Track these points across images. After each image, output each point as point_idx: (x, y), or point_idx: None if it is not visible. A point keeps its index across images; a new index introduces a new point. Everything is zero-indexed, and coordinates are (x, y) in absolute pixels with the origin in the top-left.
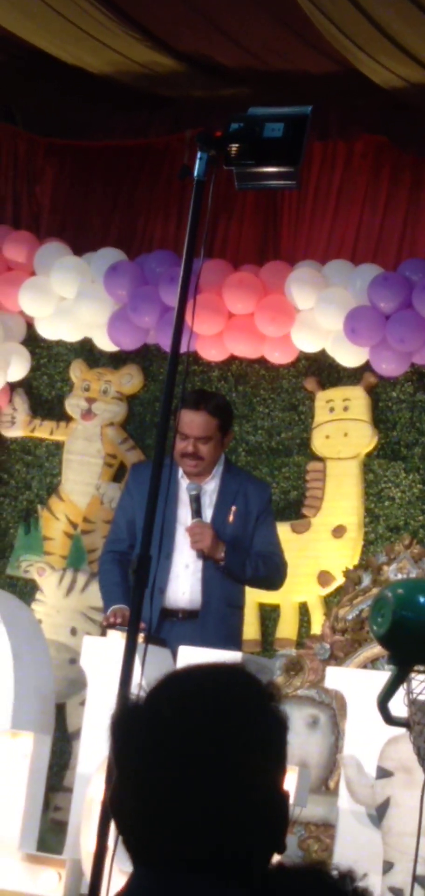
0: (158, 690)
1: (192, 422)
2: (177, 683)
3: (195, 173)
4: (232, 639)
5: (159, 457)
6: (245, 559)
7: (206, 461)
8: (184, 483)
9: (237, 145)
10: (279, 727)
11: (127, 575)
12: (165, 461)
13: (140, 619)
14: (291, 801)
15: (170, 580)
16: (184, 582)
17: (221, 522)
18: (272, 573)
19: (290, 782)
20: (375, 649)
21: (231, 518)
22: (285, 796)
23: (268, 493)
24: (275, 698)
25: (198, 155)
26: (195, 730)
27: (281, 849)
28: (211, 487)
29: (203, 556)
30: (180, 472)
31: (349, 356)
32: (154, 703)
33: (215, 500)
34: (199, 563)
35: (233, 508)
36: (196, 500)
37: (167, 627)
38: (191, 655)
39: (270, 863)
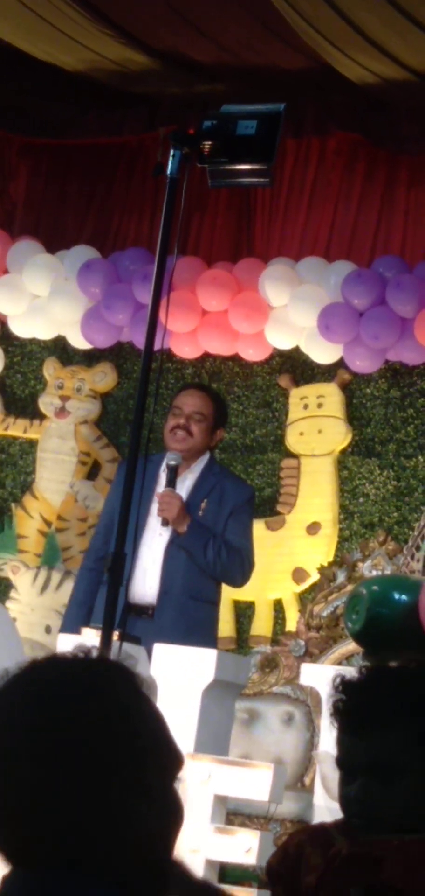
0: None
1: (189, 398)
2: (37, 679)
3: (168, 171)
4: (194, 633)
5: (133, 454)
6: (208, 540)
7: (195, 441)
8: (164, 477)
9: (210, 143)
10: (154, 720)
11: (93, 586)
12: (140, 458)
13: (115, 616)
14: (267, 797)
15: (137, 575)
16: (151, 577)
17: (191, 514)
18: (234, 566)
19: (266, 779)
20: (350, 646)
21: (200, 513)
22: (169, 798)
23: (247, 493)
24: (145, 690)
25: (172, 152)
26: (55, 726)
27: (163, 852)
28: (189, 479)
29: (167, 524)
30: (163, 466)
31: (323, 353)
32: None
33: (189, 492)
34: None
35: (203, 504)
36: (172, 470)
37: (134, 623)
38: (165, 652)
39: (151, 860)
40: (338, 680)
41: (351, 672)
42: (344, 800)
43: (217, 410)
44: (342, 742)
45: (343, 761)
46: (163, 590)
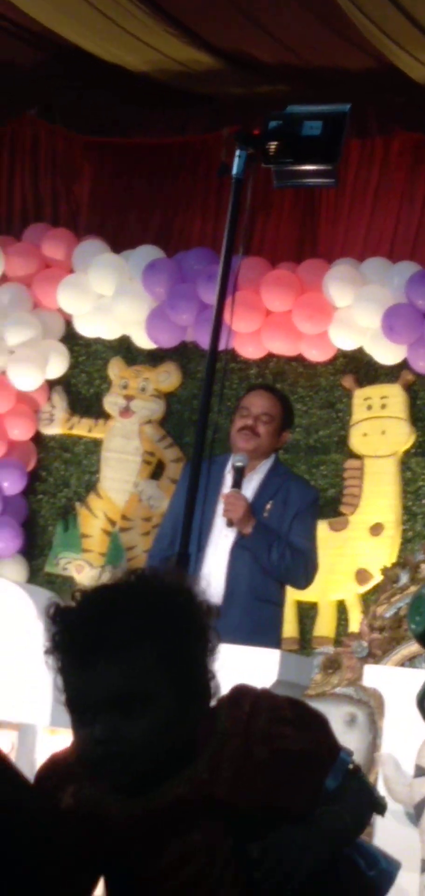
0: None
1: (258, 399)
2: None
3: (234, 171)
4: (258, 633)
5: (198, 454)
6: (273, 542)
7: (262, 442)
8: (230, 478)
9: (276, 143)
10: None
11: None
12: (205, 460)
13: None
14: None
15: (203, 576)
16: (217, 577)
17: (256, 515)
18: (298, 568)
19: None
20: (413, 647)
21: (265, 514)
22: None
23: (312, 495)
24: None
25: (237, 153)
26: None
27: None
28: (254, 480)
29: (232, 525)
30: (228, 466)
31: (387, 354)
32: None
33: (255, 493)
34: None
35: (268, 505)
36: (238, 471)
37: None
38: (229, 653)
39: None
40: (52, 609)
41: (65, 600)
42: (84, 744)
43: (284, 412)
44: (68, 679)
45: (74, 701)
46: (229, 590)
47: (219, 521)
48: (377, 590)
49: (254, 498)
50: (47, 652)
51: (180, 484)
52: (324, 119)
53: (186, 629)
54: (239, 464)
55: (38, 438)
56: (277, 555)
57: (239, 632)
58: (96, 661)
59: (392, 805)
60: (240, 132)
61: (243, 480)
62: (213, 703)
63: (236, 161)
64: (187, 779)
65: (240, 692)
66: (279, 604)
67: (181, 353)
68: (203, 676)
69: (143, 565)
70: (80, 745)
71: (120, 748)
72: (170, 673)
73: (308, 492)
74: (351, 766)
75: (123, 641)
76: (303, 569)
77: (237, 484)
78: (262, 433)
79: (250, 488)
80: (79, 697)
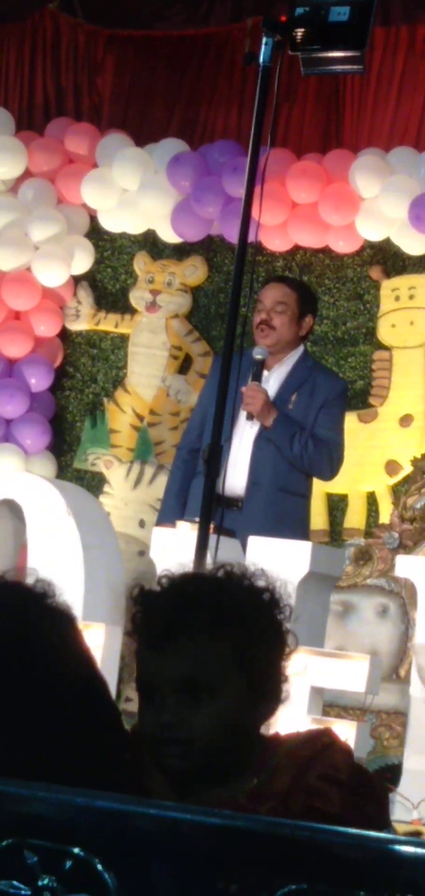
0: None
1: (270, 291)
2: None
3: (260, 59)
4: (282, 525)
5: (228, 347)
6: (295, 433)
7: (278, 334)
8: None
9: (302, 30)
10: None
11: (188, 478)
12: (235, 353)
13: (211, 508)
14: (363, 688)
15: (228, 467)
16: (241, 469)
17: (281, 407)
18: (322, 458)
19: (362, 670)
20: None
21: (290, 406)
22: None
23: (339, 386)
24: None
25: (264, 40)
26: None
27: None
28: (280, 372)
29: (251, 418)
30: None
31: (414, 244)
32: None
33: (280, 385)
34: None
35: (293, 397)
36: (258, 364)
37: (224, 515)
38: (260, 545)
39: None
40: (136, 591)
41: (150, 583)
42: (149, 725)
43: (301, 298)
44: (142, 659)
45: (144, 680)
46: (252, 481)
47: (243, 414)
48: (407, 481)
49: (280, 390)
50: (127, 633)
51: (209, 378)
52: (352, 4)
53: (265, 630)
54: (258, 356)
55: (64, 335)
56: (299, 446)
57: (262, 523)
58: (171, 644)
59: None
60: (267, 19)
61: (270, 373)
62: (287, 710)
63: (263, 49)
64: (227, 797)
65: (319, 738)
66: (304, 495)
67: (207, 247)
68: (275, 679)
69: (173, 459)
70: (145, 725)
71: (184, 734)
72: (242, 670)
73: (336, 383)
74: None
75: (200, 630)
76: (327, 459)
77: (257, 377)
78: (278, 324)
79: (277, 380)
80: (149, 677)
